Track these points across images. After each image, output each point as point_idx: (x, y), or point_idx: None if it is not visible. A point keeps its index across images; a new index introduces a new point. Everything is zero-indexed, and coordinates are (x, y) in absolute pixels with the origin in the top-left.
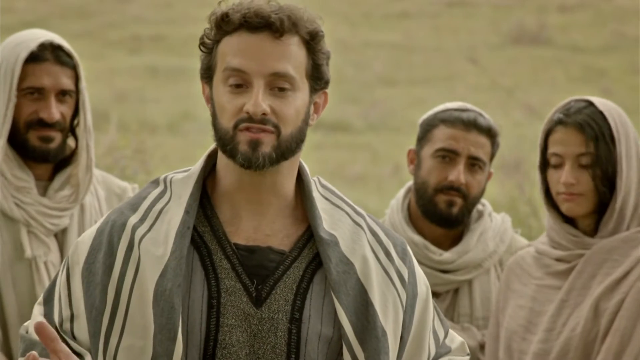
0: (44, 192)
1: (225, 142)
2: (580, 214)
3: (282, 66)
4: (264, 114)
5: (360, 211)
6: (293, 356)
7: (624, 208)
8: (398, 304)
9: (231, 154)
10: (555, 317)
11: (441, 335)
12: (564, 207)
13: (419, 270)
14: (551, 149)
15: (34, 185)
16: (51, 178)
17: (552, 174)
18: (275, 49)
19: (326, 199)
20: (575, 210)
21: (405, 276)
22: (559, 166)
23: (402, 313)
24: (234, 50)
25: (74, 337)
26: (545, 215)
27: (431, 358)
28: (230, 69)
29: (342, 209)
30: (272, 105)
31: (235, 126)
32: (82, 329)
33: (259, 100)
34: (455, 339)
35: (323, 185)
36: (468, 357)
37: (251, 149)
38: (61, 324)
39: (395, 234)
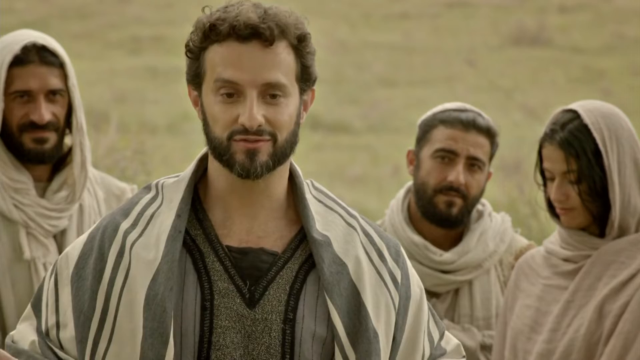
0: (42, 193)
1: (220, 152)
2: (578, 226)
3: (273, 75)
4: (259, 125)
5: (353, 213)
6: (287, 356)
7: (624, 217)
8: (390, 306)
9: (228, 164)
10: (560, 318)
11: (436, 336)
12: (561, 220)
13: (412, 272)
14: (544, 164)
15: (32, 186)
16: (50, 179)
17: (549, 186)
18: (266, 58)
19: (319, 201)
20: (572, 223)
21: (398, 278)
22: (552, 179)
23: (394, 314)
24: (225, 61)
25: (61, 346)
26: (545, 216)
27: (425, 359)
28: (222, 80)
29: (335, 211)
30: (266, 114)
31: (230, 137)
32: (69, 336)
33: (253, 114)
34: (451, 341)
35: (316, 188)
36: (464, 359)
37: (249, 159)
38: (47, 332)
39: (388, 236)
